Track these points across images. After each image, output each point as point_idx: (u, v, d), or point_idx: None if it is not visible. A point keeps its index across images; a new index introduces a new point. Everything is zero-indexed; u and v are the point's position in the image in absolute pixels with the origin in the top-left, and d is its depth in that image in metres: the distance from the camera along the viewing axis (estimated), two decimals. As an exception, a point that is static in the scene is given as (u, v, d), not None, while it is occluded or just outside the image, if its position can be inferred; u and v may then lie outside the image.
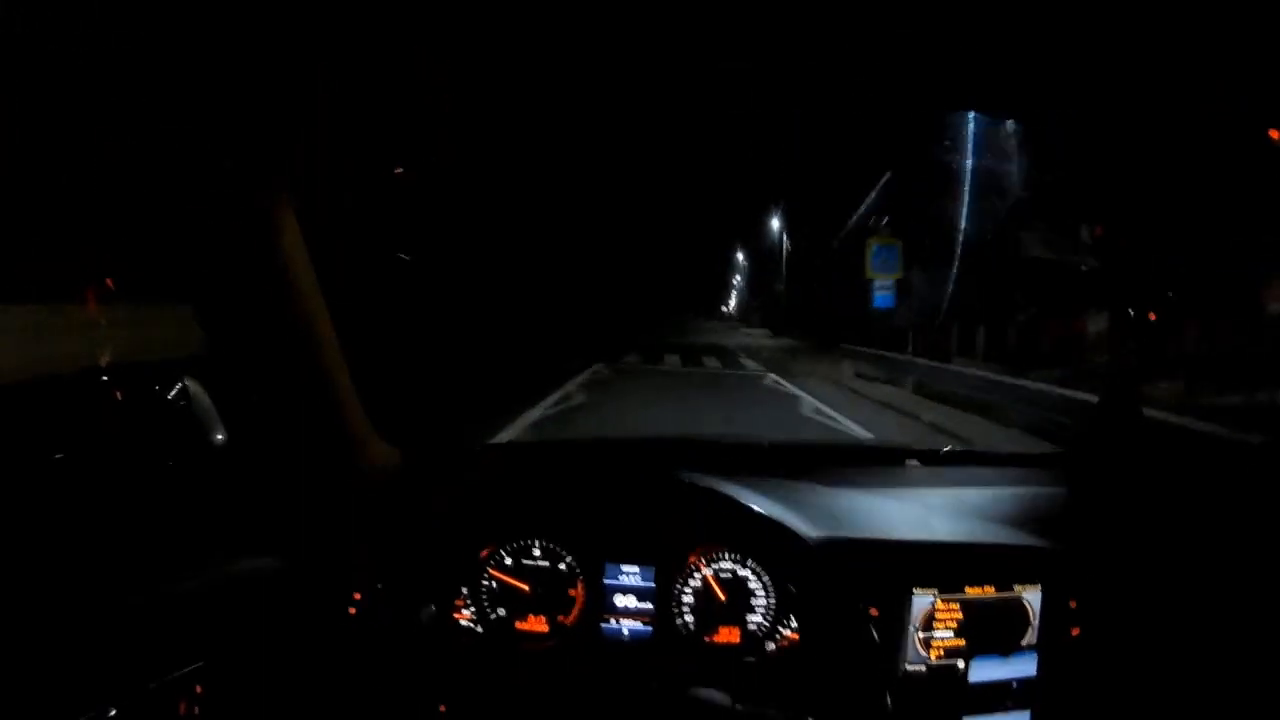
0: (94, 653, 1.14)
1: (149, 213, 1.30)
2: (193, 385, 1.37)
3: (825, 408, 7.60)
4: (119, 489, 1.30)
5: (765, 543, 1.16)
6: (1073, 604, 1.20)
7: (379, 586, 1.18)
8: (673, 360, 13.74)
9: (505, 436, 5.47)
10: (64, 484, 1.29)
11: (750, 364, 13.30)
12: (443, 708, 1.12)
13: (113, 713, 1.12)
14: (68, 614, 1.14)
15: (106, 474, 1.32)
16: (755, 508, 1.14)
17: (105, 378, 1.39)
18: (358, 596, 1.18)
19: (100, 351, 1.43)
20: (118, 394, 1.39)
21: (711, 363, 13.67)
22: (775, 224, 31.48)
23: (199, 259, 1.27)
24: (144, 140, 1.20)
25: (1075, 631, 1.20)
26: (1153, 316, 1.17)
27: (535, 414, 6.69)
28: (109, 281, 1.54)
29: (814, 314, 20.92)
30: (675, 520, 1.19)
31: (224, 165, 1.21)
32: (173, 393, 1.37)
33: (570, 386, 8.63)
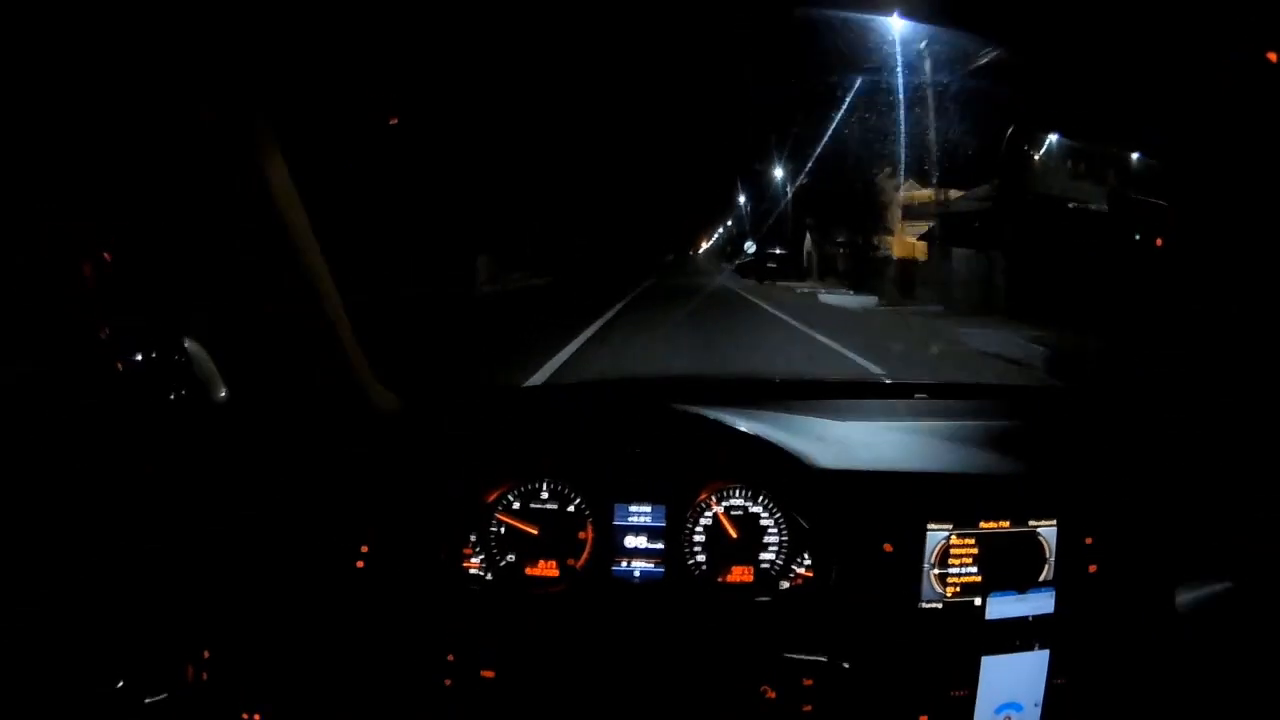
0: (99, 622, 1.12)
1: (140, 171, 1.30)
2: (192, 346, 1.36)
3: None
4: (125, 451, 1.29)
5: (776, 476, 1.14)
6: (1089, 540, 1.19)
7: (386, 537, 1.16)
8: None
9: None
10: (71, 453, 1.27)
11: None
12: (450, 656, 1.10)
13: (120, 684, 1.10)
14: (75, 580, 1.12)
15: (112, 439, 1.31)
16: (765, 440, 1.13)
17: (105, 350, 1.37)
18: (365, 549, 1.17)
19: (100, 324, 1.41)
20: (118, 365, 1.38)
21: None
22: None
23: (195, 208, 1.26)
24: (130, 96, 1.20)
25: (1093, 568, 1.19)
26: (1159, 243, 1.17)
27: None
28: (106, 255, 1.53)
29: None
30: (684, 457, 1.17)
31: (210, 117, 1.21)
32: (174, 356, 1.36)
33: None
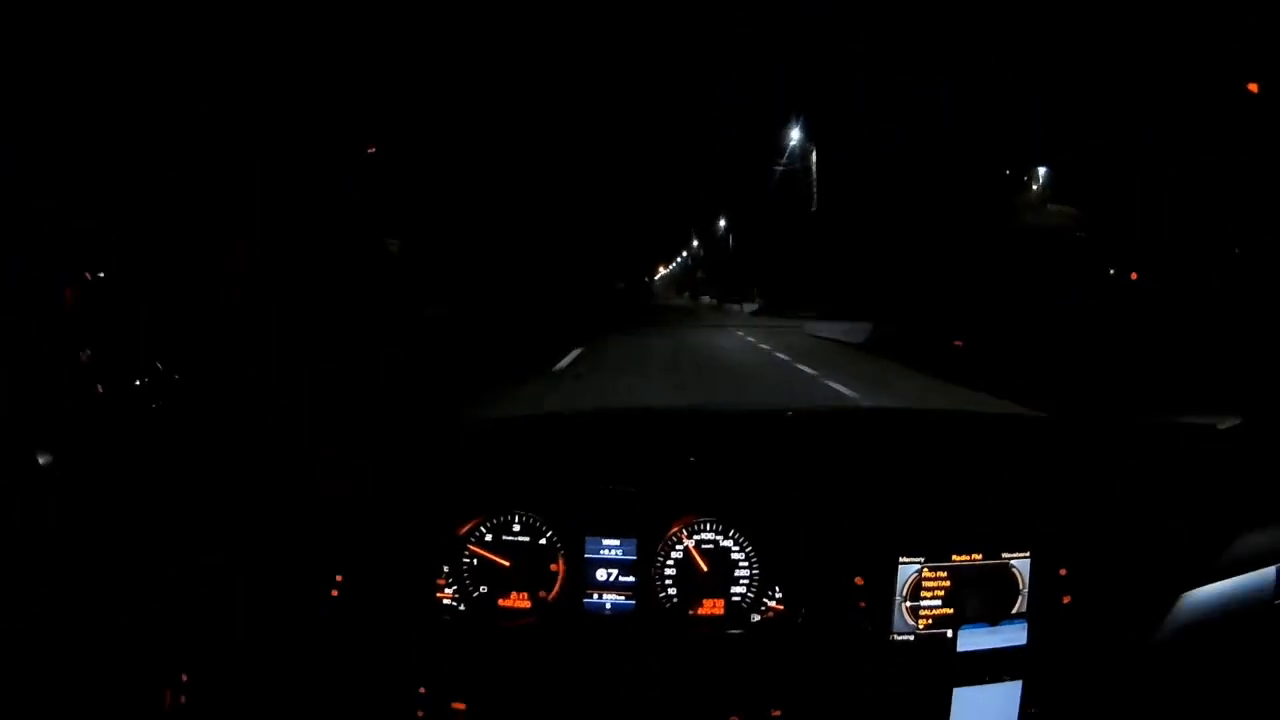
0: (76, 649, 1.13)
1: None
2: (161, 369, 1.36)
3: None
4: (93, 483, 1.30)
5: (746, 512, 1.14)
6: (1063, 571, 1.19)
7: (360, 566, 1.17)
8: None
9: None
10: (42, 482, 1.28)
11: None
12: (422, 689, 1.11)
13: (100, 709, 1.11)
14: (49, 612, 1.13)
15: (83, 469, 1.32)
16: (735, 476, 1.13)
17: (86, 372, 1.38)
18: (340, 579, 1.17)
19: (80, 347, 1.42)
20: (99, 387, 1.39)
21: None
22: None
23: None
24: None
25: (1067, 599, 1.19)
26: (1134, 276, 1.16)
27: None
28: (86, 274, 1.53)
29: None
30: (655, 491, 1.17)
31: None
32: (143, 382, 1.37)
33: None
